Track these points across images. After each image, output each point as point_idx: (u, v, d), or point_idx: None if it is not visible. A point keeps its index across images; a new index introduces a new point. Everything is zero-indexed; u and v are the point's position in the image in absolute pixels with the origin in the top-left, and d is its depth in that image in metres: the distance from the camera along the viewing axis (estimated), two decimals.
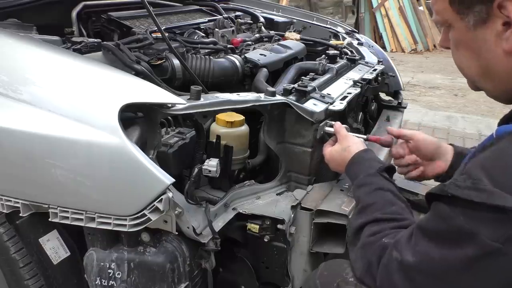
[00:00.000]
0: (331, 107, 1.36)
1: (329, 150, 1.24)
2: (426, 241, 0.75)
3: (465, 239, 0.68)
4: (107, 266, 1.11)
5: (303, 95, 1.37)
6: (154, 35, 1.56)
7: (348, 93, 1.50)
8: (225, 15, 2.25)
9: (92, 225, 1.04)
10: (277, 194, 1.30)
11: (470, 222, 0.68)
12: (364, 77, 1.73)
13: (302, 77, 1.54)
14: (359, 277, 0.89)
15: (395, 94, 2.23)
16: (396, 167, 1.21)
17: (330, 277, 1.05)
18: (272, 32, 2.20)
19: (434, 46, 8.24)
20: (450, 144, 1.25)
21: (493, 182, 0.66)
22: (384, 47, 7.59)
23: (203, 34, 1.91)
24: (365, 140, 1.27)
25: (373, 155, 1.16)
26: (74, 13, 1.69)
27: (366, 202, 0.99)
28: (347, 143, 1.20)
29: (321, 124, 1.30)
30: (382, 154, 1.54)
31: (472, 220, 0.68)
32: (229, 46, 1.80)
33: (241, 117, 1.33)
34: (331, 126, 1.28)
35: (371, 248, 0.87)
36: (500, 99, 0.82)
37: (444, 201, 0.72)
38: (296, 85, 1.39)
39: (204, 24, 2.05)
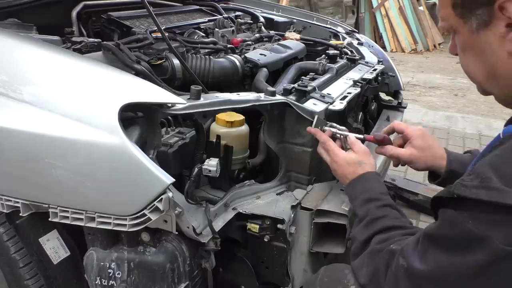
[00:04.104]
0: (331, 107, 1.36)
1: (342, 155, 1.17)
2: (434, 248, 0.73)
3: (475, 245, 0.66)
4: (107, 266, 1.11)
5: (303, 95, 1.37)
6: (154, 35, 1.56)
7: (348, 93, 1.50)
8: (225, 15, 2.25)
9: (92, 225, 1.05)
10: (277, 194, 1.30)
11: (480, 226, 0.65)
12: (364, 77, 1.73)
13: (302, 77, 1.54)
14: (363, 284, 0.88)
15: (395, 94, 2.24)
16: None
17: (331, 284, 1.04)
18: (272, 32, 2.20)
19: (434, 46, 8.25)
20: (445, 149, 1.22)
21: (503, 181, 0.63)
22: (384, 47, 7.59)
23: (203, 34, 1.91)
24: (363, 140, 1.25)
25: (382, 180, 1.16)
26: (74, 13, 1.69)
27: (376, 215, 0.98)
28: (365, 160, 1.14)
29: (315, 122, 1.26)
30: (381, 157, 1.53)
31: (482, 223, 0.65)
32: (229, 46, 1.80)
33: (241, 117, 1.33)
34: (332, 126, 1.27)
35: (379, 254, 0.86)
36: (508, 103, 0.80)
37: (451, 206, 0.70)
38: (296, 85, 1.39)
39: (204, 24, 2.05)
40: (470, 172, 0.69)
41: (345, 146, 1.23)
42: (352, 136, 1.22)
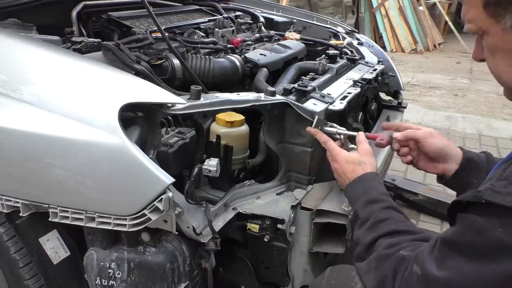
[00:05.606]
0: (331, 107, 1.35)
1: (344, 155, 1.16)
2: (455, 255, 0.72)
3: (505, 253, 0.64)
4: (107, 266, 1.11)
5: (303, 95, 1.37)
6: (154, 35, 1.56)
7: (348, 93, 1.50)
8: (225, 15, 2.25)
9: (92, 225, 1.05)
10: (277, 194, 1.30)
11: None
12: (364, 77, 1.73)
13: (302, 77, 1.54)
14: None
15: (395, 94, 2.23)
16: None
17: (338, 287, 1.03)
18: (272, 32, 2.20)
19: (434, 46, 8.25)
20: (460, 148, 1.18)
21: None
22: (384, 47, 7.60)
23: (203, 34, 1.91)
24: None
25: (382, 181, 1.14)
26: (74, 13, 1.70)
27: (380, 217, 0.96)
28: (366, 160, 1.13)
29: (315, 122, 1.26)
30: (382, 153, 1.54)
31: None
32: (229, 46, 1.80)
33: (241, 117, 1.33)
34: (332, 126, 1.27)
35: (387, 260, 0.85)
36: None
37: (475, 212, 0.68)
38: (296, 85, 1.39)
39: (204, 24, 2.05)
40: (501, 178, 0.67)
41: (346, 147, 1.23)
42: (361, 134, 1.21)
